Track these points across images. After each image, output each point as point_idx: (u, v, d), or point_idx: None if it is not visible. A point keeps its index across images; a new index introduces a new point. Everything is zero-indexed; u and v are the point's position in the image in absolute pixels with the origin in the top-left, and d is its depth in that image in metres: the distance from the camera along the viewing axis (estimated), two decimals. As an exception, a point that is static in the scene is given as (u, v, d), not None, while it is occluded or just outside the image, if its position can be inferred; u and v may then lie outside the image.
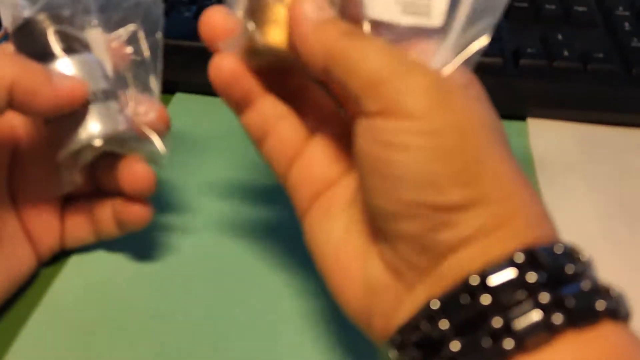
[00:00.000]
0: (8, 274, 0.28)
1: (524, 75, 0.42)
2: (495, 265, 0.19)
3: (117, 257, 0.31)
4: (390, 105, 0.20)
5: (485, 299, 0.18)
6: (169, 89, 0.43)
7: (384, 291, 0.21)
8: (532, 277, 0.18)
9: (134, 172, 0.29)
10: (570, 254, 0.20)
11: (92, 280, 0.30)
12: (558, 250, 0.20)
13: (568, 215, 0.34)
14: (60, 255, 0.31)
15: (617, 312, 0.19)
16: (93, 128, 0.27)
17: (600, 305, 0.18)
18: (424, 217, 0.20)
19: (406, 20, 0.23)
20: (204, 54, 0.42)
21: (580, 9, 0.47)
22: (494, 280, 0.18)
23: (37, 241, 0.30)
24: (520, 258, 0.19)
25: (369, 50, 0.21)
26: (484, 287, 0.19)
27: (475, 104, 0.21)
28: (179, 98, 0.42)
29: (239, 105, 0.26)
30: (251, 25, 0.24)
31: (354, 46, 0.21)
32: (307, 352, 0.27)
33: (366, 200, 0.22)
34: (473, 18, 0.22)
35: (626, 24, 0.45)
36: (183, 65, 0.42)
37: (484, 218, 0.19)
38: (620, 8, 0.47)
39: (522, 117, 0.42)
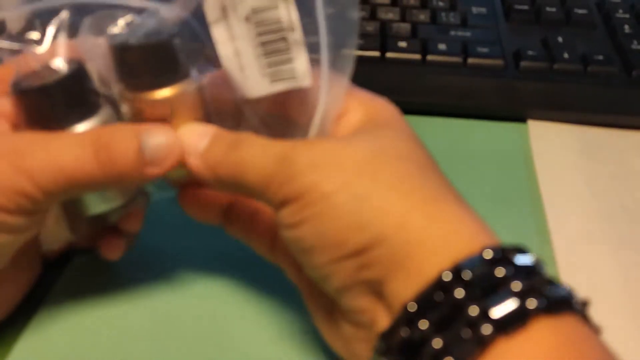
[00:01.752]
0: None
1: (524, 77, 0.42)
2: (466, 261, 0.20)
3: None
4: (280, 199, 0.23)
5: (459, 293, 0.19)
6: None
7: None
8: (501, 271, 0.20)
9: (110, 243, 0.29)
10: (529, 253, 0.21)
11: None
12: (516, 250, 0.21)
13: (569, 216, 0.35)
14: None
15: (578, 307, 0.20)
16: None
17: (569, 296, 0.20)
18: (343, 270, 0.22)
19: (278, 87, 0.25)
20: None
21: (581, 11, 0.47)
22: (467, 273, 0.20)
23: None
24: (489, 254, 0.20)
25: (249, 159, 0.23)
26: (456, 282, 0.20)
27: (361, 151, 0.23)
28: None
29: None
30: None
31: (236, 163, 0.23)
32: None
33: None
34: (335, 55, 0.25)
35: (626, 27, 0.46)
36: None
37: (389, 249, 0.21)
38: (620, 10, 0.47)
39: (522, 119, 0.42)
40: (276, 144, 0.23)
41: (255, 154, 0.23)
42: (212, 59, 0.25)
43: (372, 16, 0.47)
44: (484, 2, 0.48)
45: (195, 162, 0.25)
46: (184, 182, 0.28)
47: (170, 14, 0.24)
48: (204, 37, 0.25)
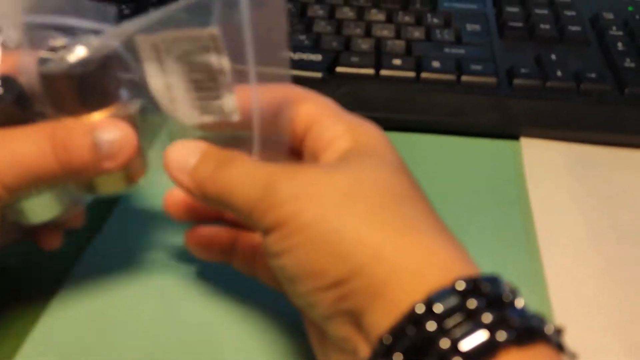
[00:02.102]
0: None
1: (517, 95, 0.42)
2: (437, 293, 0.20)
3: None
4: (264, 225, 0.23)
5: (431, 325, 0.20)
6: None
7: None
8: (473, 303, 0.20)
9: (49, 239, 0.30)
10: (502, 283, 0.21)
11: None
12: (489, 280, 0.21)
13: (560, 234, 0.35)
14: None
15: (551, 336, 0.20)
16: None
17: (541, 325, 0.20)
18: (324, 300, 0.22)
19: (206, 119, 0.26)
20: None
21: (574, 28, 0.48)
22: (438, 306, 0.20)
23: None
24: (461, 286, 0.20)
25: (235, 182, 0.24)
26: (428, 314, 0.20)
27: (341, 181, 0.23)
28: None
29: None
30: None
31: (223, 183, 0.24)
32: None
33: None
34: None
35: (619, 44, 0.46)
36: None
37: (366, 281, 0.21)
38: (614, 27, 0.48)
39: (515, 137, 0.42)
40: (262, 170, 0.24)
41: (242, 178, 0.24)
42: (143, 87, 0.26)
43: (367, 33, 0.47)
44: (478, 19, 0.49)
45: (183, 179, 0.25)
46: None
47: (102, 42, 0.25)
48: (135, 67, 0.26)
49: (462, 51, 0.45)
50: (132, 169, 0.27)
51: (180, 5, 0.24)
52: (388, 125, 0.42)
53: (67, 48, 0.25)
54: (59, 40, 0.25)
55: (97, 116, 0.26)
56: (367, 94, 0.43)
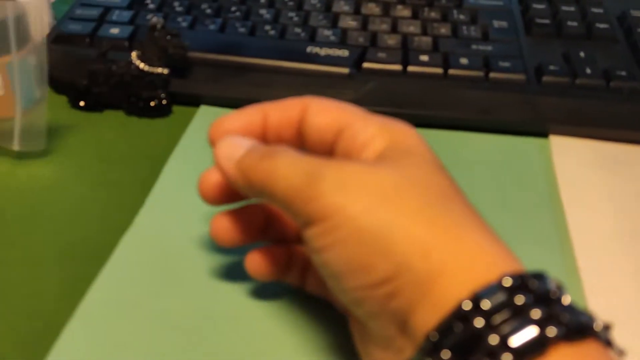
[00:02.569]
0: None
1: (546, 93, 0.42)
2: (485, 289, 0.20)
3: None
4: (308, 215, 0.23)
5: (479, 322, 0.19)
6: (193, 102, 0.43)
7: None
8: (521, 299, 0.20)
9: None
10: (548, 279, 0.21)
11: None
12: (536, 276, 0.21)
13: (591, 233, 0.35)
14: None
15: (600, 332, 0.20)
16: None
17: (590, 322, 0.20)
18: (372, 298, 0.22)
19: None
20: (229, 68, 0.43)
21: (602, 25, 0.47)
22: (486, 302, 0.20)
23: None
24: (508, 282, 0.20)
25: (280, 169, 0.24)
26: (476, 311, 0.20)
27: (387, 177, 0.23)
28: (204, 111, 0.43)
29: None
30: None
31: (267, 170, 0.24)
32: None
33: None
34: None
35: (648, 42, 0.46)
36: (208, 79, 0.43)
37: (414, 278, 0.21)
38: (642, 25, 0.47)
39: (544, 134, 0.42)
40: (307, 159, 0.24)
41: (285, 165, 0.24)
42: None
43: (394, 29, 0.47)
44: (505, 16, 0.49)
45: (230, 168, 0.25)
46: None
47: None
48: None
49: (489, 48, 0.45)
50: None
51: None
52: (416, 121, 0.42)
53: None
54: None
55: None
56: (395, 90, 0.42)
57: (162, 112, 0.42)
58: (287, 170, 0.23)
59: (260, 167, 0.24)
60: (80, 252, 0.32)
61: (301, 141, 0.27)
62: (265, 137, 0.28)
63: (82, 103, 0.42)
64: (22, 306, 0.29)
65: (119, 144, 0.40)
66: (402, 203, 0.22)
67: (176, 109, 0.43)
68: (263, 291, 0.31)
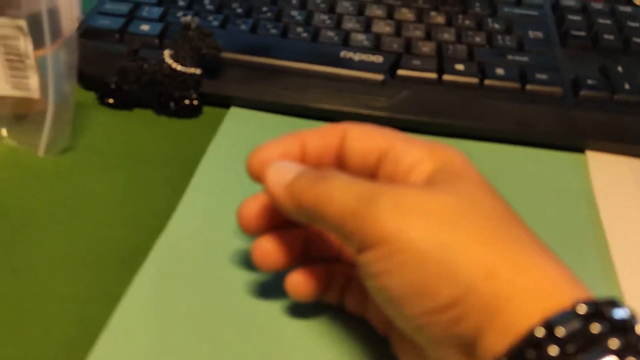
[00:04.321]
0: None
1: (583, 107, 0.41)
2: (558, 316, 0.19)
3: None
4: (363, 239, 0.22)
5: (553, 350, 0.19)
6: (223, 103, 0.42)
7: None
8: (596, 327, 0.19)
9: None
10: (622, 307, 0.20)
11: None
12: (609, 303, 0.20)
13: (635, 252, 0.34)
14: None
15: None
16: None
17: None
18: (434, 322, 0.21)
19: (17, 93, 0.36)
20: (261, 70, 0.42)
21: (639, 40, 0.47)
22: (560, 329, 0.19)
23: None
24: (583, 309, 0.19)
25: (333, 193, 0.23)
26: (549, 338, 0.19)
27: (444, 200, 0.22)
28: (234, 112, 0.42)
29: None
30: None
31: (320, 193, 0.24)
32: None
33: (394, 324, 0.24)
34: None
35: (686, 58, 0.45)
36: (239, 80, 0.42)
37: (480, 302, 0.20)
38: (680, 41, 0.46)
39: (581, 150, 0.41)
40: (361, 182, 0.23)
41: (339, 188, 0.23)
42: None
43: (428, 36, 0.46)
44: (539, 26, 0.48)
45: (280, 192, 0.25)
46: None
47: None
48: None
49: (525, 59, 0.44)
50: None
51: (4, 1, 0.33)
52: (450, 132, 0.42)
53: None
54: None
55: None
56: (430, 98, 0.42)
57: (193, 112, 0.41)
58: (341, 193, 0.23)
59: (313, 191, 0.24)
60: (111, 255, 0.31)
61: (341, 168, 0.27)
62: (304, 164, 0.27)
63: (110, 100, 0.41)
64: (55, 311, 0.29)
65: (148, 144, 0.39)
66: (463, 226, 0.21)
67: (206, 109, 0.42)
68: (299, 305, 0.30)
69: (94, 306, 0.29)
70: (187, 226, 0.33)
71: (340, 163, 0.27)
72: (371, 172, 0.26)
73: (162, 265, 0.31)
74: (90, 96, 0.42)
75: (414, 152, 0.25)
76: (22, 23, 0.34)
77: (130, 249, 0.32)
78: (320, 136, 0.27)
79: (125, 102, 0.41)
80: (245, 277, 0.31)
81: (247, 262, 0.32)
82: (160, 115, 0.41)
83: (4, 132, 0.37)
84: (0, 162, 0.36)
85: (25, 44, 0.34)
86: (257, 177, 0.27)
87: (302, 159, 0.27)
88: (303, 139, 0.27)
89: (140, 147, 0.39)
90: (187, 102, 0.41)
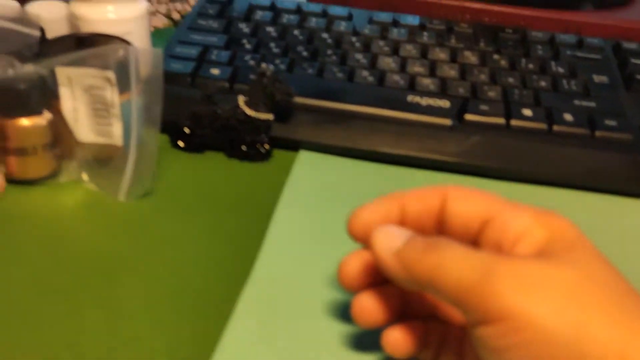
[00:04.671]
0: None
1: (654, 154, 0.41)
2: None
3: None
4: (482, 314, 0.22)
5: None
6: (292, 146, 0.43)
7: None
8: None
9: None
10: None
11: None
12: None
13: None
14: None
15: None
16: None
17: None
18: None
19: (100, 140, 0.37)
20: (329, 114, 0.43)
21: None
22: None
23: None
24: None
25: (448, 263, 0.23)
26: None
27: (567, 274, 0.22)
28: (304, 156, 0.42)
29: None
30: None
31: (434, 264, 0.23)
32: None
33: None
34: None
35: None
36: (308, 124, 0.43)
37: None
38: None
39: (655, 197, 0.41)
40: (478, 254, 0.23)
41: (456, 260, 0.23)
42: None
43: (492, 80, 0.46)
44: (603, 70, 0.48)
45: (390, 260, 0.25)
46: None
47: (36, 69, 0.35)
48: (55, 90, 0.36)
49: (592, 104, 0.44)
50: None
51: (91, 52, 0.36)
52: (520, 178, 0.42)
53: (14, 68, 0.35)
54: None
55: (24, 122, 0.36)
56: (499, 144, 0.42)
57: (264, 156, 0.42)
58: (457, 265, 0.23)
59: (426, 261, 0.24)
60: (200, 303, 0.32)
61: (441, 231, 0.27)
62: (404, 227, 0.27)
63: (181, 144, 0.42)
64: (149, 362, 0.29)
65: (223, 188, 0.40)
66: (588, 303, 0.21)
67: (275, 152, 0.43)
68: None
69: (186, 358, 0.29)
70: (272, 273, 0.34)
71: (441, 227, 0.27)
72: (473, 238, 0.26)
73: (252, 315, 0.31)
74: (162, 139, 0.43)
75: (523, 220, 0.25)
76: (111, 74, 0.35)
77: (217, 296, 0.32)
78: (421, 199, 0.27)
79: (197, 146, 0.42)
80: (338, 329, 0.31)
81: (338, 312, 0.32)
82: (231, 158, 0.42)
83: (85, 176, 0.38)
84: (82, 205, 0.37)
85: (111, 94, 0.35)
86: (360, 239, 0.27)
87: (402, 221, 0.27)
88: (403, 200, 0.27)
89: (215, 190, 0.39)
90: (259, 146, 0.41)
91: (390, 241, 0.25)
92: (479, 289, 0.22)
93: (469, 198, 0.26)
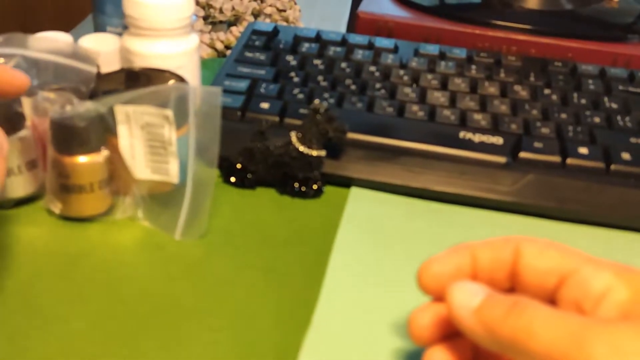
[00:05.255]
0: None
1: None
2: None
3: None
4: None
5: None
6: (343, 183, 0.43)
7: None
8: None
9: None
10: None
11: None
12: None
13: None
14: None
15: None
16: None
17: None
18: None
19: (156, 177, 0.37)
20: (380, 150, 0.42)
21: None
22: None
23: None
24: None
25: (536, 327, 0.22)
26: None
27: None
28: (356, 193, 0.42)
29: None
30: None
31: (520, 326, 0.22)
32: None
33: None
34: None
35: None
36: (359, 161, 0.42)
37: None
38: None
39: None
40: (568, 317, 0.22)
41: (544, 323, 0.22)
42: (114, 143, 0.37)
43: (545, 116, 0.46)
44: (657, 105, 0.47)
45: (468, 318, 0.24)
46: None
47: (95, 106, 0.35)
48: (113, 127, 0.36)
49: (649, 142, 0.43)
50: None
51: (150, 90, 0.35)
52: (578, 218, 0.41)
53: (73, 106, 0.36)
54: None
55: (82, 159, 0.36)
56: (555, 184, 0.41)
57: (316, 193, 0.41)
58: (546, 329, 0.22)
59: (510, 323, 0.23)
60: (262, 350, 0.31)
61: (514, 285, 0.26)
62: (475, 280, 0.26)
63: (233, 179, 0.42)
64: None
65: (277, 226, 0.39)
66: None
67: (326, 188, 0.42)
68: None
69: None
70: (333, 319, 0.33)
71: (513, 280, 0.26)
72: (549, 294, 0.25)
73: (312, 363, 0.31)
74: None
75: (605, 277, 0.24)
76: (169, 113, 0.35)
77: (279, 342, 0.32)
78: (493, 250, 0.26)
79: (249, 182, 0.42)
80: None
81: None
82: (282, 195, 0.42)
83: (140, 213, 0.38)
84: (138, 244, 0.37)
85: (169, 132, 0.35)
86: (431, 293, 0.27)
87: (474, 274, 0.27)
88: (475, 251, 0.27)
89: (269, 228, 0.39)
90: (311, 183, 0.41)
91: (468, 298, 0.24)
92: (572, 356, 0.21)
93: (544, 252, 0.26)
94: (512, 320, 0.23)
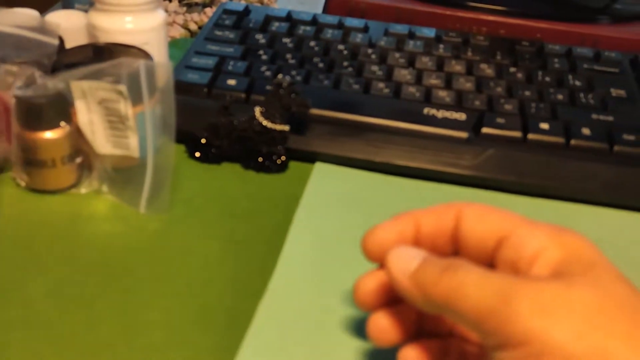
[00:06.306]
0: None
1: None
2: None
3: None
4: (502, 338, 0.22)
5: None
6: (308, 158, 0.43)
7: None
8: None
9: None
10: None
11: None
12: None
13: None
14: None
15: None
16: None
17: None
18: None
19: (117, 152, 0.37)
20: (345, 126, 0.43)
21: None
22: None
23: None
24: None
25: (467, 287, 0.23)
26: None
27: (586, 296, 0.22)
28: (320, 168, 0.42)
29: None
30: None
31: (451, 287, 0.23)
32: None
33: None
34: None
35: None
36: (324, 136, 0.43)
37: None
38: None
39: (672, 213, 0.40)
40: (496, 276, 0.23)
41: (474, 283, 0.23)
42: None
43: (509, 93, 0.46)
44: (621, 84, 0.48)
45: (404, 281, 0.25)
46: None
47: (54, 83, 0.36)
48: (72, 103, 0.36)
49: (610, 118, 0.44)
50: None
51: (105, 66, 0.35)
52: (537, 192, 0.42)
53: (35, 83, 0.36)
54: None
55: (44, 135, 0.37)
56: (515, 158, 0.42)
57: (280, 168, 0.42)
58: (475, 288, 0.22)
59: (443, 284, 0.23)
60: (217, 317, 0.32)
61: (457, 250, 0.27)
62: (419, 246, 0.27)
63: (197, 154, 0.42)
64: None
65: (240, 199, 0.40)
66: (611, 326, 0.21)
67: (291, 164, 0.43)
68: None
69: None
70: (289, 287, 0.33)
71: (456, 245, 0.27)
72: (489, 257, 0.26)
73: (269, 329, 0.31)
74: (179, 150, 0.43)
75: (539, 238, 0.24)
76: (123, 88, 0.35)
77: (234, 308, 0.32)
78: (435, 216, 0.27)
79: (213, 157, 0.42)
80: (355, 345, 0.31)
81: (355, 328, 0.32)
82: (247, 169, 0.42)
83: (105, 187, 0.39)
84: (104, 217, 0.37)
85: (125, 107, 0.36)
86: (375, 259, 0.27)
87: (417, 240, 0.27)
88: (417, 219, 0.27)
89: (232, 202, 0.39)
90: (275, 157, 0.41)
91: (405, 263, 0.25)
92: (498, 313, 0.22)
93: (483, 216, 0.26)
94: (445, 281, 0.23)
